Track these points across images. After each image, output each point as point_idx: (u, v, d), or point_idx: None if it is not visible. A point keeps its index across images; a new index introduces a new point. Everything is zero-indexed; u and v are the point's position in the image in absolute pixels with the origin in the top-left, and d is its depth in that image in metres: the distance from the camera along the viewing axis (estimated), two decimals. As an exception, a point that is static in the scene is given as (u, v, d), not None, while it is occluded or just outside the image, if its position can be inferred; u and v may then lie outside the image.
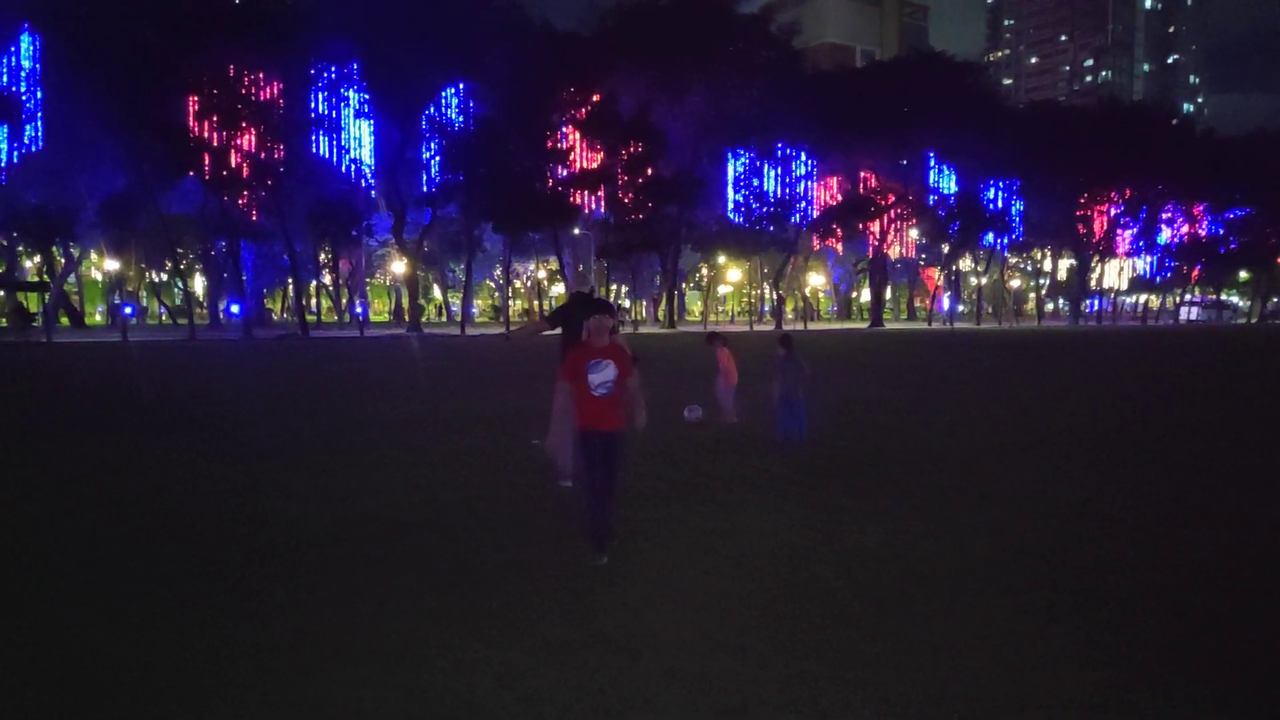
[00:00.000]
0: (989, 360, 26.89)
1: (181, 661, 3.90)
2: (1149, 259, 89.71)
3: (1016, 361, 26.37)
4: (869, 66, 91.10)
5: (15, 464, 8.95)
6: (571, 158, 55.70)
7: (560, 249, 60.20)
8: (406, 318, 60.97)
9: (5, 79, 44.37)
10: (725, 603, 4.67)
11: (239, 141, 45.41)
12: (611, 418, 5.39)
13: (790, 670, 3.81)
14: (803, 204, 65.84)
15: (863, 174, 67.10)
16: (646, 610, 4.55)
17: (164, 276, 71.80)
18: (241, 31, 41.60)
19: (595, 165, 55.84)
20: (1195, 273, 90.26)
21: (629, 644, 4.10)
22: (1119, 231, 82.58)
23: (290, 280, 58.56)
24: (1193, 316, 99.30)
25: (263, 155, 45.96)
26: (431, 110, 52.27)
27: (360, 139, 55.66)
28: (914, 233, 78.05)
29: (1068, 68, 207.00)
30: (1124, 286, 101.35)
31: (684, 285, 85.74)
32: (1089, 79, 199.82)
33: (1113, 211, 79.97)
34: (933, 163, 71.06)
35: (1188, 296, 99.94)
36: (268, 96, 46.32)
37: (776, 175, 64.55)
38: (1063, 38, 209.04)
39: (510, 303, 76.53)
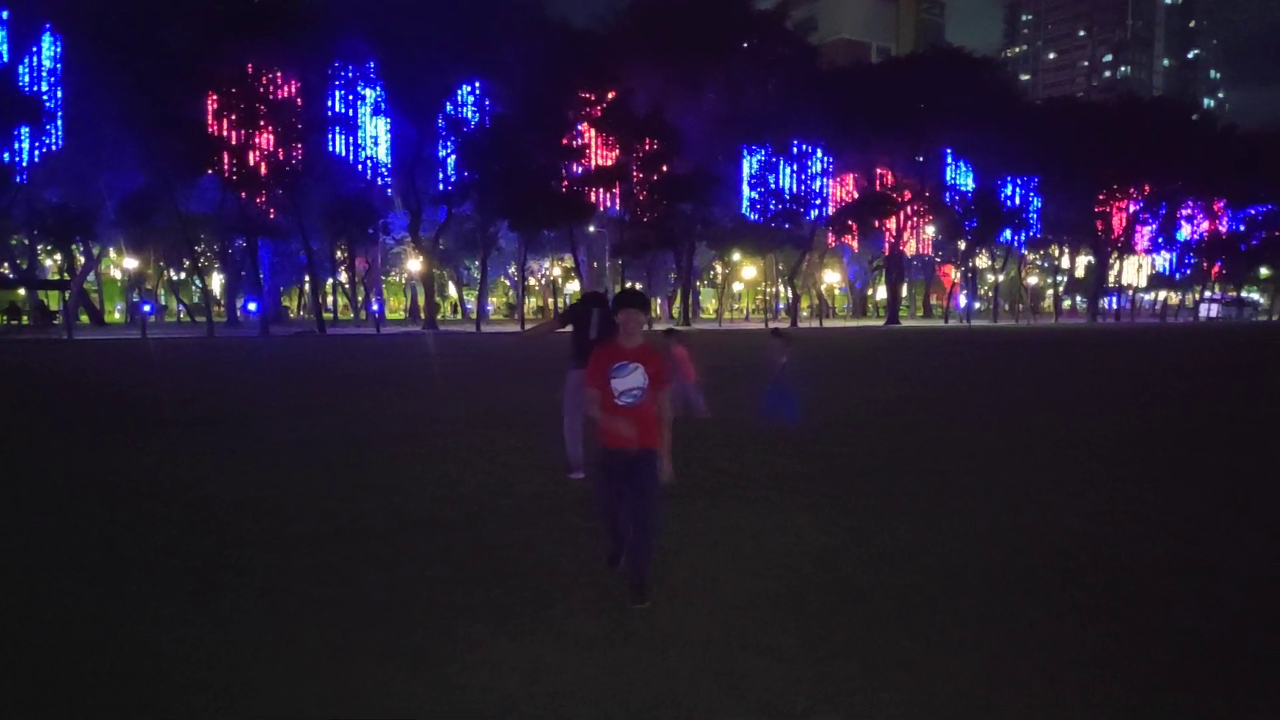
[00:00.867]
0: (1009, 358, 26.69)
1: (211, 654, 3.92)
2: (1168, 256, 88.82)
3: (1037, 359, 26.16)
4: (885, 62, 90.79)
5: (40, 460, 9.04)
6: (587, 155, 55.70)
7: (575, 247, 60.27)
8: (422, 315, 61.24)
9: (27, 79, 44.82)
10: (754, 601, 4.64)
11: (257, 140, 45.71)
12: (637, 433, 4.39)
13: (820, 670, 3.78)
14: (818, 201, 65.48)
15: (879, 170, 66.78)
16: (674, 608, 4.52)
17: (182, 275, 72.47)
18: (260, 31, 41.84)
19: (611, 163, 55.86)
20: (1215, 269, 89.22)
21: (657, 641, 4.08)
22: (1138, 228, 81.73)
23: (307, 278, 58.94)
24: (1213, 314, 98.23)
25: (280, 154, 46.25)
26: (448, 108, 52.47)
27: (377, 137, 55.96)
28: (930, 229, 77.51)
29: (1086, 63, 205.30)
30: (1143, 283, 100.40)
31: (699, 282, 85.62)
32: (1108, 74, 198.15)
33: (1132, 208, 79.15)
34: (949, 159, 70.63)
35: (1207, 294, 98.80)
36: (286, 95, 46.58)
37: (792, 172, 64.25)
38: (1081, 33, 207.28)
39: (525, 300, 76.65)
